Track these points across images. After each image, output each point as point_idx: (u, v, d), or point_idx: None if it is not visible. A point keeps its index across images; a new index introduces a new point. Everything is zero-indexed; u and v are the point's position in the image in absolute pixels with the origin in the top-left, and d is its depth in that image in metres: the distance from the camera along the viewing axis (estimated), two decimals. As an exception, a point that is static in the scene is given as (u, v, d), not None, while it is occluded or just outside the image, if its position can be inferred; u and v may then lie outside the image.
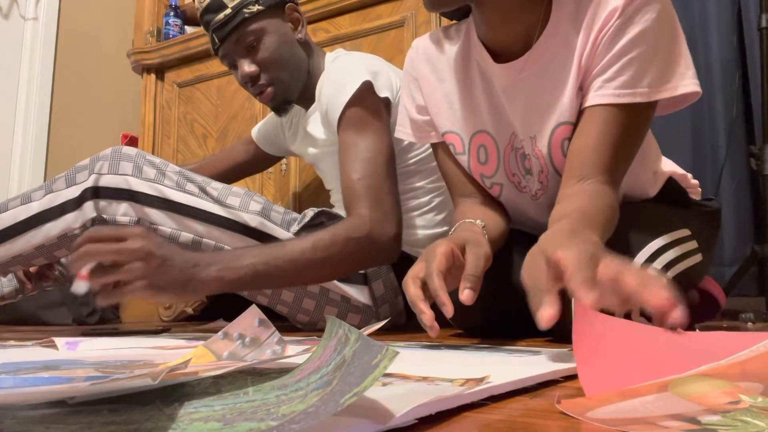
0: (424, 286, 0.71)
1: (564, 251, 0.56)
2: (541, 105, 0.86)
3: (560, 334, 0.79)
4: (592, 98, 0.81)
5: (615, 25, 0.78)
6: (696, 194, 1.06)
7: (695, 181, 1.08)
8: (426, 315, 0.68)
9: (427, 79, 0.99)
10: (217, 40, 1.24)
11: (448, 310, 0.67)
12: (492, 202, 1.00)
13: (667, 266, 0.87)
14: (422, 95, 1.00)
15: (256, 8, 1.22)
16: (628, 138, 0.80)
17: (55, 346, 0.79)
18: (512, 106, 0.89)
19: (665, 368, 0.41)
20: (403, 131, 1.05)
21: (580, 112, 0.83)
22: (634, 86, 0.78)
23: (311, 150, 1.35)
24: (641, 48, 0.78)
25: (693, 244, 0.91)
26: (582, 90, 0.83)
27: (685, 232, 0.91)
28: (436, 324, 0.68)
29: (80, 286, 0.84)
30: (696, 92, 0.80)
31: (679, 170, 1.05)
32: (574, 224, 0.69)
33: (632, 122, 0.79)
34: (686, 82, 0.79)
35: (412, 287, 0.71)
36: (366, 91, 1.13)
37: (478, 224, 0.87)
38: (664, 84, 0.79)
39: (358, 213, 1.06)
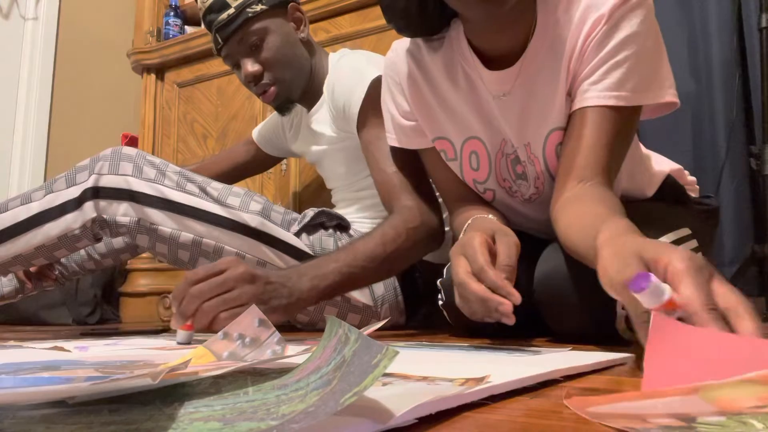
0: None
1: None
2: (534, 111, 0.87)
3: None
4: (579, 101, 0.82)
5: (602, 31, 0.79)
6: (694, 191, 1.06)
7: (692, 178, 1.08)
8: (505, 305, 0.66)
9: (412, 82, 0.97)
10: (220, 40, 1.24)
11: (517, 299, 0.66)
12: (488, 203, 1.00)
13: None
14: (407, 100, 0.99)
15: (259, 8, 1.22)
16: (618, 139, 0.81)
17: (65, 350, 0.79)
18: (506, 114, 0.89)
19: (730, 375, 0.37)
20: (387, 136, 1.05)
21: (569, 117, 0.84)
22: (618, 89, 0.79)
23: (314, 148, 1.35)
24: (627, 52, 0.79)
25: (693, 243, 0.91)
26: (570, 95, 0.84)
27: (685, 231, 0.91)
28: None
29: (184, 337, 0.81)
30: (675, 103, 0.81)
31: (675, 165, 1.05)
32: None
33: (619, 124, 0.80)
34: (666, 92, 0.81)
35: (474, 284, 0.69)
36: (380, 84, 1.13)
37: (491, 219, 0.87)
38: (646, 91, 0.80)
39: (405, 205, 1.07)
